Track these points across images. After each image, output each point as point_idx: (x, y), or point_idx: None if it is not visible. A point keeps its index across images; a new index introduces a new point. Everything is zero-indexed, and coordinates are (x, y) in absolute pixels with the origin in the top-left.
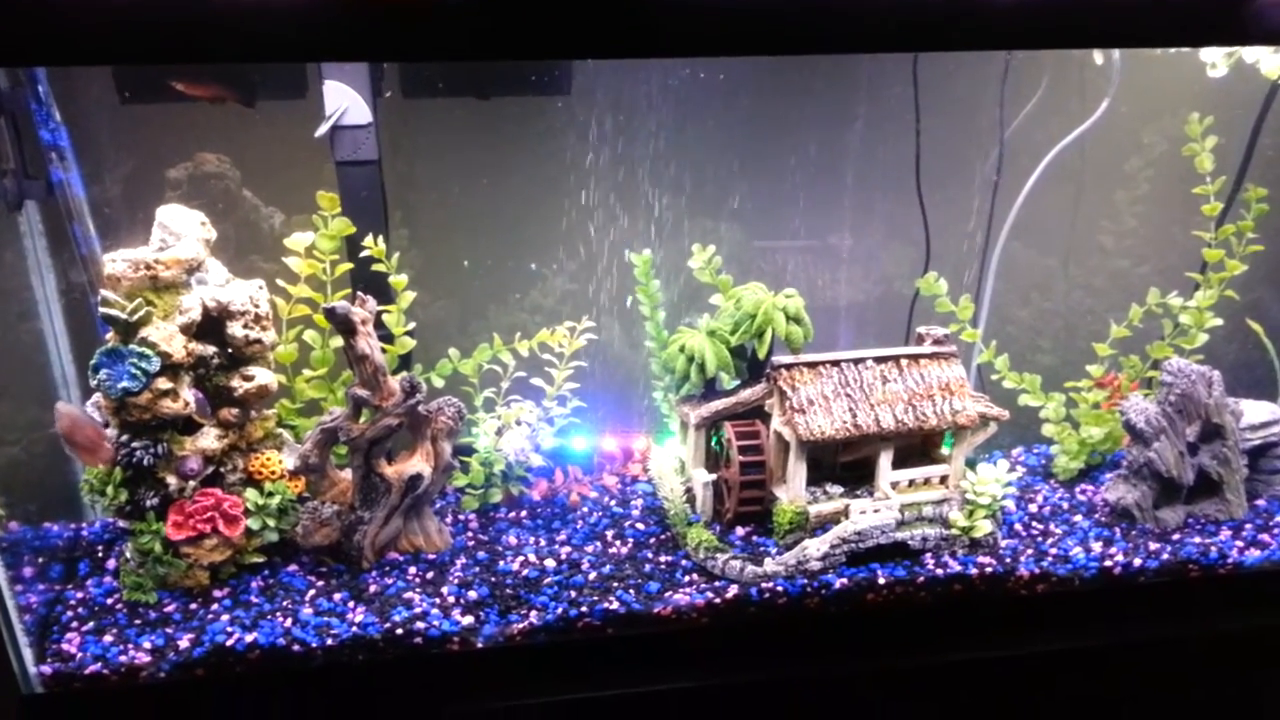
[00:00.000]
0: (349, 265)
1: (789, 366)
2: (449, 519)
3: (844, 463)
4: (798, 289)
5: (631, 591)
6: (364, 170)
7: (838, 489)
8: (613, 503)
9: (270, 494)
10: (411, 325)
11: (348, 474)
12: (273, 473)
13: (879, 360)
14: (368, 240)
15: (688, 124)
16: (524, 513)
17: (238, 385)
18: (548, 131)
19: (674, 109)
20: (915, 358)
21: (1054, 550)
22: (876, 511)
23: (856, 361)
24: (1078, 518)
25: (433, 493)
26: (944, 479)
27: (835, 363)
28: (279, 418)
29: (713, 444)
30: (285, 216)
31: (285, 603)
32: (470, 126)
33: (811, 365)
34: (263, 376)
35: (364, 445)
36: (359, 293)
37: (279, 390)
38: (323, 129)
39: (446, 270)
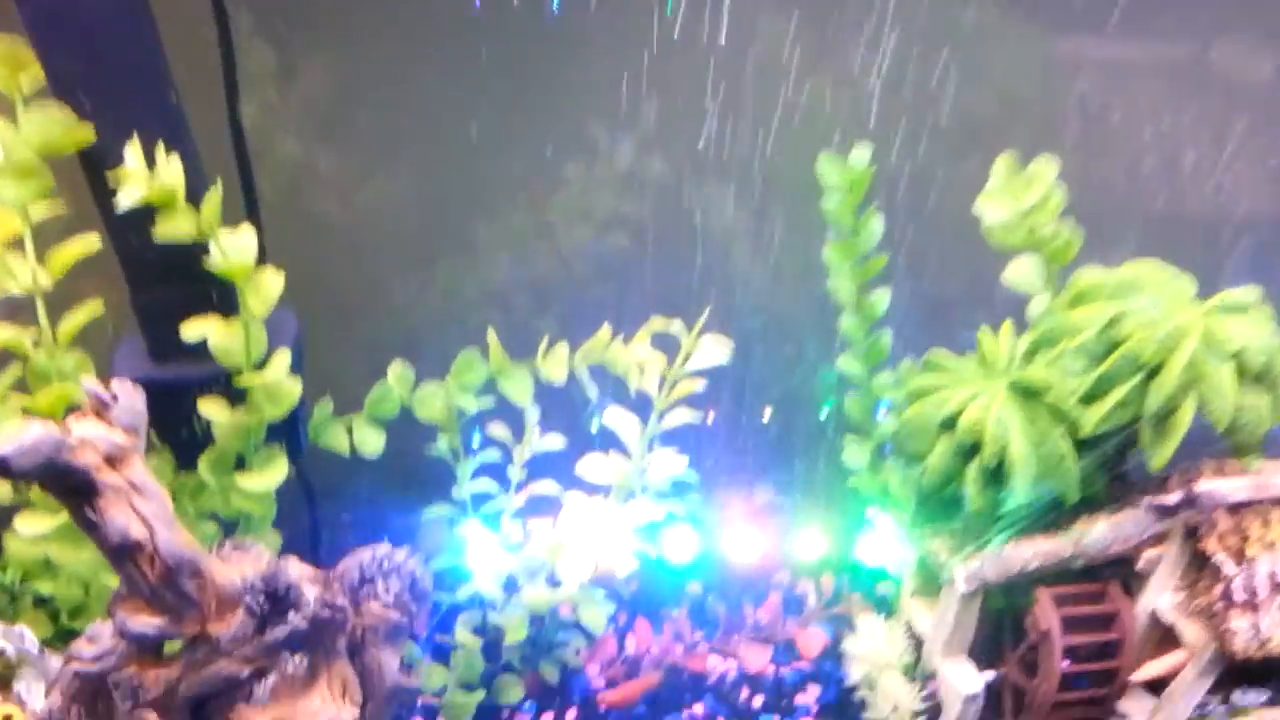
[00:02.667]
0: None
1: (1236, 508)
2: None
3: None
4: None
5: None
6: None
7: (1255, 695)
8: (755, 700)
9: None
10: (278, 355)
11: None
12: None
13: None
14: (128, 165)
15: None
16: (572, 712)
17: None
18: None
19: None
20: None
21: None
22: None
23: None
24: None
25: None
26: None
27: None
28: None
29: (994, 607)
30: None
31: None
32: None
33: None
34: None
35: (182, 706)
36: (89, 384)
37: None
38: None
39: (393, 164)
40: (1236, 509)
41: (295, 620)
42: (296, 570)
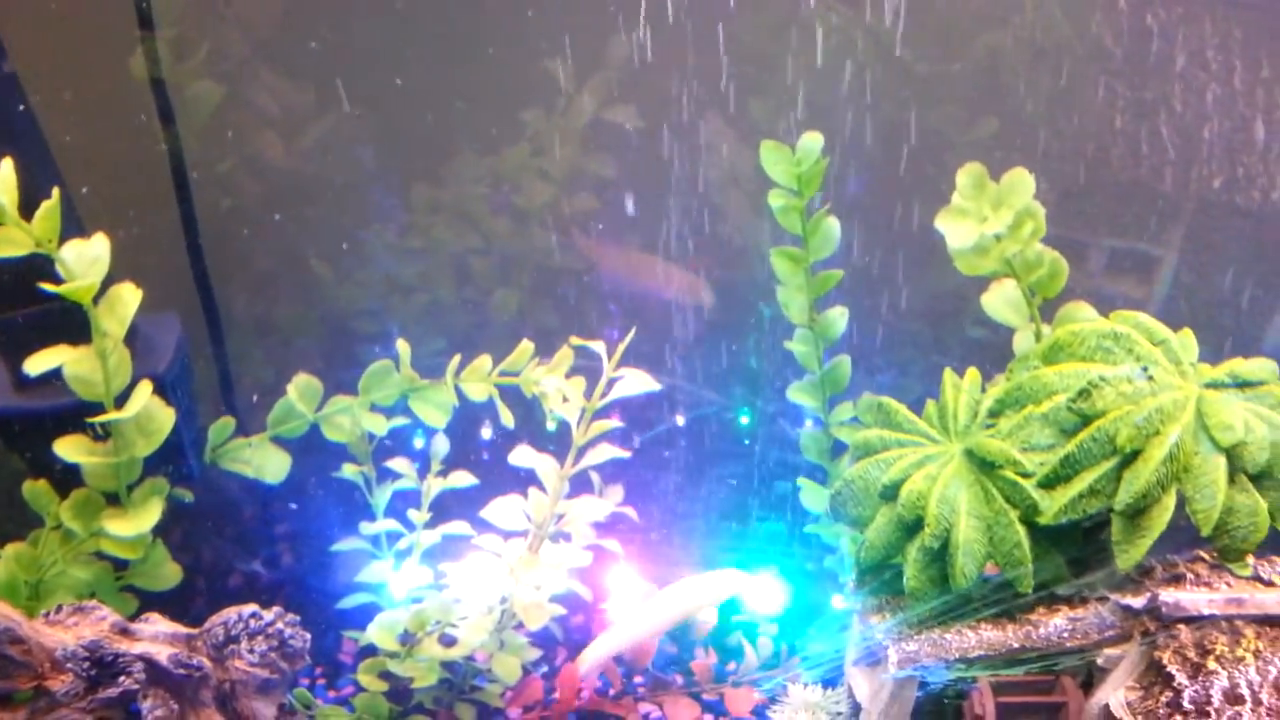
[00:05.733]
0: None
1: (1201, 621)
2: None
3: None
4: None
5: None
6: None
7: None
8: None
9: None
10: (141, 386)
11: None
12: None
13: None
14: None
15: None
16: None
17: None
18: None
19: None
20: None
21: None
22: None
23: None
24: None
25: None
26: None
27: None
28: None
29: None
30: None
31: None
32: None
33: (1275, 623)
34: None
35: None
36: None
37: None
38: None
39: None
40: (1204, 622)
41: (125, 683)
42: (152, 630)
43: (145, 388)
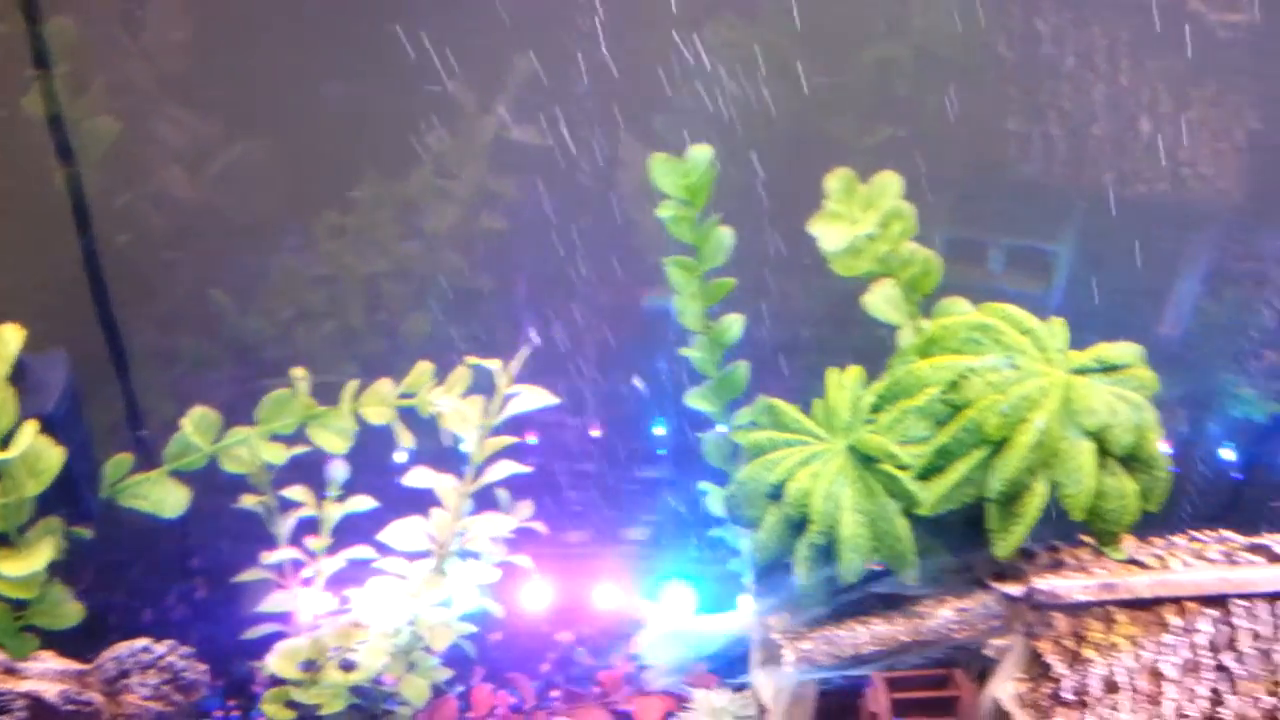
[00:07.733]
0: None
1: (1075, 608)
2: None
3: None
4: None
5: None
6: None
7: None
8: None
9: None
10: (26, 425)
11: None
12: None
13: None
14: None
15: None
16: None
17: None
18: None
19: None
20: None
21: None
22: None
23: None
24: None
25: None
26: None
27: (1206, 601)
28: None
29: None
30: None
31: None
32: None
33: (1146, 607)
34: None
35: None
36: None
37: None
38: None
39: None
40: (1080, 608)
41: None
42: (41, 667)
43: (30, 427)
